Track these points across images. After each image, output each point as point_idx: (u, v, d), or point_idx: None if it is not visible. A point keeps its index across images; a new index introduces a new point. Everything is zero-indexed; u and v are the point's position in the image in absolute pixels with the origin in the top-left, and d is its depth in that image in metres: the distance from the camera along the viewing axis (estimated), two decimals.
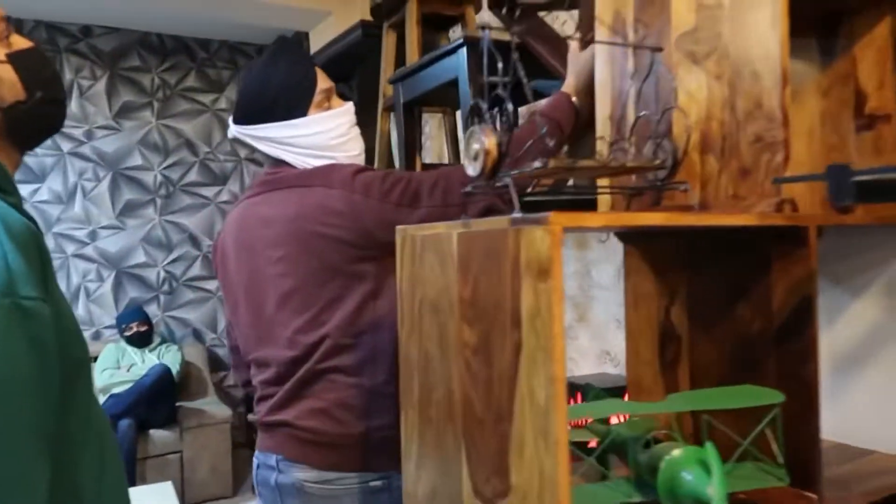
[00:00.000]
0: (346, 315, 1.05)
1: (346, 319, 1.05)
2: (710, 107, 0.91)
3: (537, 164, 0.81)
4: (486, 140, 0.79)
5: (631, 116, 1.03)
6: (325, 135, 1.12)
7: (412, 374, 0.89)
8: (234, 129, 1.16)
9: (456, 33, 2.34)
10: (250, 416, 1.19)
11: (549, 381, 0.65)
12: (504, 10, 1.43)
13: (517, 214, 0.75)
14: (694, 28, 0.94)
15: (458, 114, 2.23)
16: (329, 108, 1.13)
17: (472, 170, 0.82)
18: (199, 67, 4.15)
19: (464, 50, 1.47)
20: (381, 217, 1.05)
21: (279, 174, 1.12)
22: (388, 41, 2.07)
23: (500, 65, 0.77)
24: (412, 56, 1.90)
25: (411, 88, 1.71)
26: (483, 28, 0.85)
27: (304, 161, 1.13)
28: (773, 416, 0.78)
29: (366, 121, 2.40)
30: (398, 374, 1.09)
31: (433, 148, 2.50)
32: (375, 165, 2.13)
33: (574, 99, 1.15)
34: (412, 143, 1.77)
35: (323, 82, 1.14)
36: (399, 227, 0.91)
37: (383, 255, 1.07)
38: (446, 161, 2.28)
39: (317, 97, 1.12)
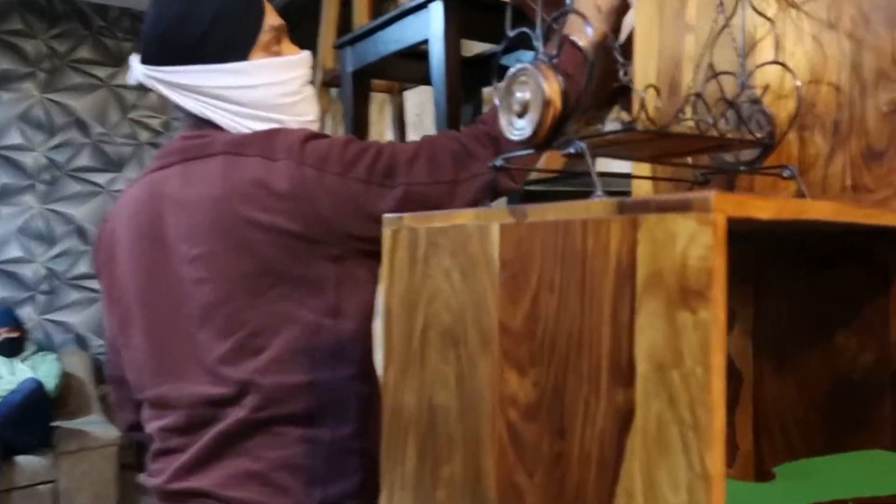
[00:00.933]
0: (295, 339, 0.74)
1: (295, 345, 0.74)
2: (816, 66, 0.68)
3: (613, 126, 0.54)
4: (545, 85, 0.51)
5: (687, 77, 0.78)
6: (272, 89, 0.80)
7: (404, 434, 0.60)
8: (139, 71, 0.82)
9: None
10: (141, 478, 0.82)
11: (698, 479, 0.37)
12: None
13: (599, 194, 0.47)
14: None
15: (406, 94, 1.95)
16: (279, 53, 0.82)
17: (515, 130, 0.54)
18: (95, 36, 3.64)
19: (438, 5, 1.19)
20: (342, 199, 0.75)
21: (201, 139, 0.80)
22: (330, 3, 1.76)
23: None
24: (360, 20, 1.59)
25: (362, 55, 1.41)
26: None
27: (238, 123, 0.81)
28: None
29: None
30: (370, 423, 0.79)
31: (372, 135, 2.20)
32: None
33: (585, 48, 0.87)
34: (362, 120, 1.46)
35: (272, 17, 0.82)
36: (387, 217, 0.62)
37: (346, 255, 0.77)
38: None
39: (264, 36, 0.81)
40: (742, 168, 0.67)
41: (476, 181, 0.79)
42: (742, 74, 0.67)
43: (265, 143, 0.77)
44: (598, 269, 0.43)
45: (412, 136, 2.07)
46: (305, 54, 0.85)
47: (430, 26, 1.20)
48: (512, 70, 0.54)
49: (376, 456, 0.80)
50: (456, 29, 1.18)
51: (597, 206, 0.43)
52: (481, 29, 1.26)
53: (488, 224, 0.51)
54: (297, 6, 1.98)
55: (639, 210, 0.40)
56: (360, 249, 0.78)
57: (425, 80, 1.69)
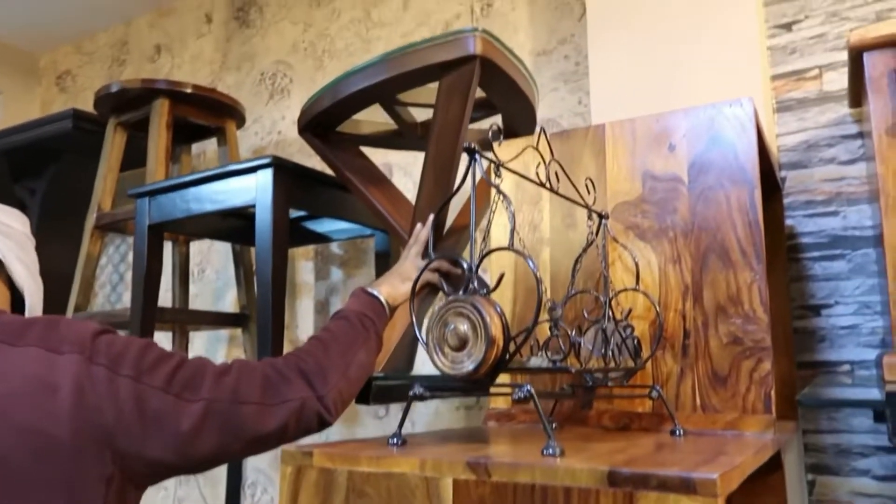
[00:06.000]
0: None
1: None
2: (666, 294, 0.77)
3: (538, 362, 0.54)
4: (490, 321, 0.50)
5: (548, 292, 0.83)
6: None
7: None
8: None
9: (208, 146, 1.98)
10: None
11: None
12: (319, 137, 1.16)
13: (553, 444, 0.46)
14: (639, 198, 0.80)
15: (191, 245, 1.81)
16: None
17: (450, 363, 0.51)
18: None
19: (268, 172, 1.14)
20: (131, 408, 0.63)
21: None
22: (115, 142, 1.59)
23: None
24: (155, 164, 1.47)
25: (167, 209, 1.28)
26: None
27: None
28: None
29: (51, 237, 1.78)
30: None
31: None
32: (74, 298, 1.53)
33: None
34: (154, 275, 1.30)
35: None
36: (288, 451, 0.53)
37: (117, 477, 0.64)
38: (170, 302, 1.78)
39: None
40: (612, 384, 0.71)
41: (284, 408, 0.71)
42: (606, 297, 0.73)
43: (45, 330, 0.63)
44: None
45: (193, 288, 1.90)
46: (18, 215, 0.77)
47: (258, 191, 1.14)
48: (451, 301, 0.52)
49: None
50: (284, 195, 1.14)
51: (583, 473, 0.41)
52: (303, 197, 1.24)
53: (438, 478, 0.46)
54: (66, 140, 1.77)
55: (634, 485, 0.40)
56: (137, 473, 0.65)
57: (221, 235, 1.59)
